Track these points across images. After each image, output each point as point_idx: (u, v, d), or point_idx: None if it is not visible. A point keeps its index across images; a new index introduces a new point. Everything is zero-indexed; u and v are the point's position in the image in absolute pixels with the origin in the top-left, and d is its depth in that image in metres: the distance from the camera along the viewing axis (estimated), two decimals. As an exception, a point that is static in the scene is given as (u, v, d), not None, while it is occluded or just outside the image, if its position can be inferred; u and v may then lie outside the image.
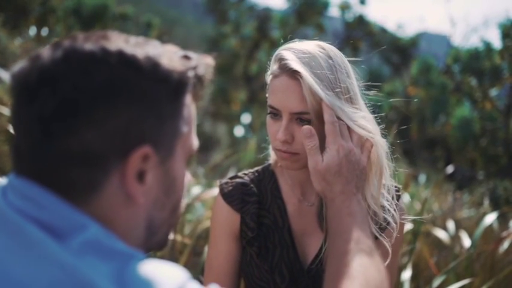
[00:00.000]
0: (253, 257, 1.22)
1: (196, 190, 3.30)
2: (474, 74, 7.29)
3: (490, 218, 3.05)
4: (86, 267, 0.56)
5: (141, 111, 0.64)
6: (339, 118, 1.06)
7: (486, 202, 4.59)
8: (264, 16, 15.05)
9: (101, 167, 0.63)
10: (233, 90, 14.79)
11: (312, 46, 1.14)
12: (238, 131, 14.06)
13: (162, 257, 2.75)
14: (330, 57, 1.11)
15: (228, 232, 1.24)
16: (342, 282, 0.83)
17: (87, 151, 0.62)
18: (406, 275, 2.61)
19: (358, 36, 15.31)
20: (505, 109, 6.94)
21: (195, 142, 0.76)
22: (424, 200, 2.44)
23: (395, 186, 1.22)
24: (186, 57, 0.72)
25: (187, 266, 2.54)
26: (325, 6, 14.17)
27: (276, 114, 1.12)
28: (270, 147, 1.25)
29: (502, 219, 4.16)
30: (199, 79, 0.72)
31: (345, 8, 15.26)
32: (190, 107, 0.73)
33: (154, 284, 0.56)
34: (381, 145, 1.09)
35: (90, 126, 0.62)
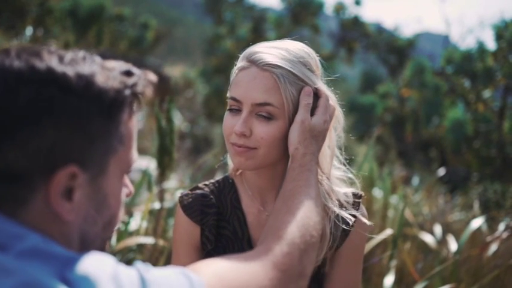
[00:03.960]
0: None
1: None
2: (467, 75, 7.28)
3: (477, 223, 3.04)
4: (30, 269, 0.58)
5: (68, 131, 0.64)
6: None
7: (476, 205, 4.57)
8: (259, 17, 15.03)
9: (26, 184, 0.64)
10: (229, 91, 14.75)
11: (282, 42, 1.15)
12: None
13: (143, 261, 2.73)
14: (304, 46, 1.15)
15: (189, 244, 1.22)
16: (280, 215, 0.93)
17: (10, 169, 0.63)
18: (389, 280, 2.59)
19: (353, 37, 15.27)
20: (499, 111, 6.92)
21: (134, 157, 0.76)
22: (404, 206, 2.42)
23: (356, 193, 1.21)
24: (128, 74, 0.72)
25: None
26: (320, 7, 14.13)
27: (234, 109, 1.10)
28: (228, 155, 1.23)
29: (492, 223, 4.14)
30: (137, 96, 0.72)
31: (339, 9, 15.23)
32: (128, 123, 0.73)
33: (93, 279, 0.60)
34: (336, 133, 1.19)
35: (14, 145, 0.62)
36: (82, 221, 0.70)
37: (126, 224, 2.77)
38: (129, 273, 0.64)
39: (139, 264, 0.68)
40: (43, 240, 0.63)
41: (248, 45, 1.17)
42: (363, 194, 1.22)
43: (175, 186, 3.45)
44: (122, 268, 0.65)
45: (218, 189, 1.26)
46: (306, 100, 1.08)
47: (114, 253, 2.63)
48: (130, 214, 2.79)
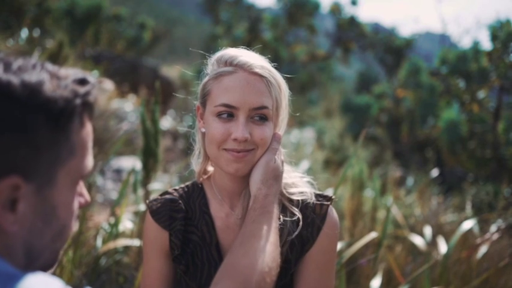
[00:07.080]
0: (183, 274, 1.18)
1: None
2: (462, 76, 7.26)
3: (467, 225, 3.02)
4: None
5: (11, 142, 0.62)
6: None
7: (469, 207, 4.55)
8: (255, 17, 14.99)
9: None
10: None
11: (241, 49, 1.16)
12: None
13: (129, 264, 2.72)
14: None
15: (158, 249, 1.21)
16: (238, 257, 0.94)
17: None
18: (376, 283, 2.57)
19: (350, 37, 15.23)
20: (494, 112, 6.90)
21: (88, 166, 0.74)
22: (390, 207, 2.40)
23: (325, 196, 1.19)
24: (81, 82, 0.70)
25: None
26: (316, 7, 14.07)
27: (224, 115, 1.08)
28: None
29: (484, 224, 4.11)
30: (88, 106, 0.71)
31: (335, 9, 15.18)
32: (80, 132, 0.71)
33: None
34: None
35: None
36: (27, 232, 0.68)
37: (112, 226, 2.75)
38: None
39: None
40: None
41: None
42: (334, 197, 1.19)
43: (164, 187, 3.43)
44: None
45: (187, 194, 1.25)
46: (275, 145, 1.13)
47: (99, 255, 2.61)
48: (115, 216, 2.76)
